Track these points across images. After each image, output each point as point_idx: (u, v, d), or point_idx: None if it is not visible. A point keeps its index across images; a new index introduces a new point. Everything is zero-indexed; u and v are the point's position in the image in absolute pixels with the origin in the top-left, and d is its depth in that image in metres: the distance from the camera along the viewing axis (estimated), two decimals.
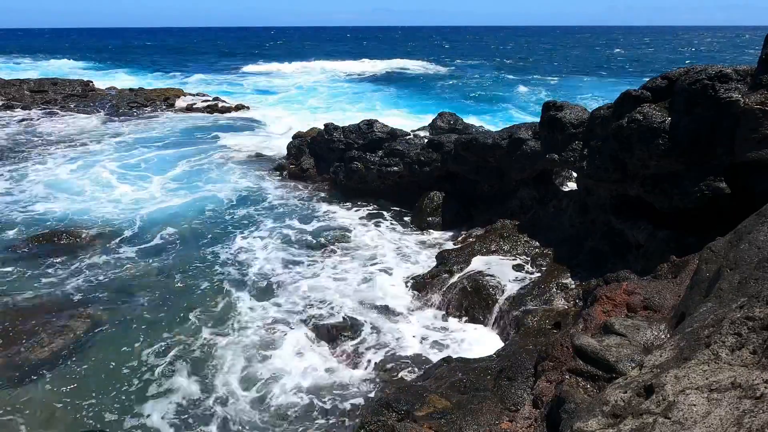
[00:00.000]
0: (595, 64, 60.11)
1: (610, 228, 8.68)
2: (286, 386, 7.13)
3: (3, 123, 24.76)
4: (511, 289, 8.96)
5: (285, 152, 17.87)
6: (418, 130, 14.74)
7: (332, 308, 9.07)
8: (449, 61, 63.73)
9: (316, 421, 6.55)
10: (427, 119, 17.61)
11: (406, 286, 9.79)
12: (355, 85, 43.31)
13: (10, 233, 12.06)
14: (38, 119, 25.90)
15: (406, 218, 13.14)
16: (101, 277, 10.07)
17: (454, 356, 7.54)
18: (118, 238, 11.92)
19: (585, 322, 5.74)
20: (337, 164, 15.09)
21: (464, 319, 8.82)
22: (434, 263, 10.43)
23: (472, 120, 16.17)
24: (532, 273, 9.33)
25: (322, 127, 16.18)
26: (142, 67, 57.46)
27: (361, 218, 13.32)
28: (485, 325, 8.64)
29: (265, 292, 9.66)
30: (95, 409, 6.70)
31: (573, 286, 8.62)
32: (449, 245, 11.32)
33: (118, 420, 6.54)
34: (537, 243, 10.10)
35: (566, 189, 11.12)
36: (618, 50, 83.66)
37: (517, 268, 9.56)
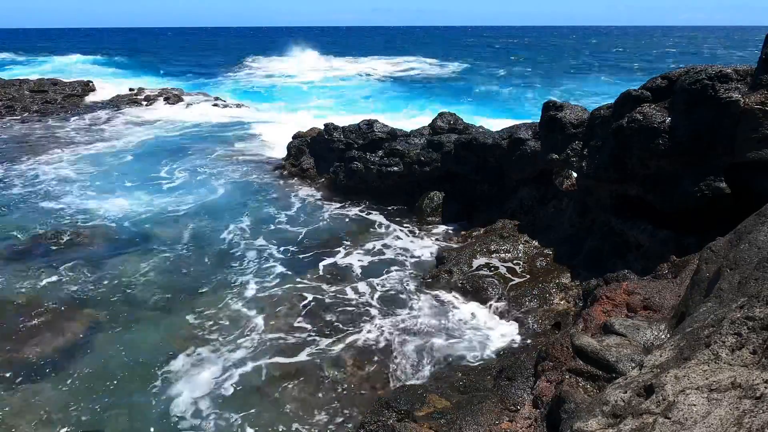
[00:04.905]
0: (596, 64, 60.10)
1: (610, 228, 8.68)
2: (289, 383, 7.13)
3: (3, 123, 24.77)
4: (511, 289, 8.97)
5: (285, 152, 17.87)
6: (418, 130, 14.71)
7: (333, 308, 9.07)
8: (450, 61, 63.69)
9: (318, 417, 6.55)
10: (428, 119, 17.60)
11: (406, 287, 9.79)
12: (355, 84, 43.30)
13: (11, 232, 12.06)
14: (38, 119, 25.91)
15: (406, 218, 13.14)
16: (102, 277, 10.07)
17: (454, 356, 7.55)
18: (119, 238, 11.92)
19: (585, 322, 5.74)
20: (337, 164, 15.09)
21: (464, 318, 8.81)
22: (434, 263, 10.43)
23: (473, 119, 16.16)
24: (531, 273, 9.33)
25: (322, 127, 16.18)
26: (143, 67, 57.45)
27: (360, 218, 13.32)
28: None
29: (265, 292, 9.65)
30: (95, 409, 6.69)
31: (573, 286, 8.63)
32: (449, 245, 11.32)
33: (118, 419, 6.54)
34: (537, 243, 10.10)
35: (566, 189, 11.12)
36: (618, 51, 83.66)
37: (517, 268, 9.56)
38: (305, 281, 10.02)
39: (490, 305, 8.83)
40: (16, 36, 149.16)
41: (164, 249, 11.41)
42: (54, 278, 9.97)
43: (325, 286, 9.82)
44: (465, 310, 8.93)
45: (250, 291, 9.66)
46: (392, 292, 9.60)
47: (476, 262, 9.76)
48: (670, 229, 7.48)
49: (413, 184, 13.73)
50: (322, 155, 16.11)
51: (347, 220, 13.21)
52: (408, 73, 51.91)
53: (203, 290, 9.67)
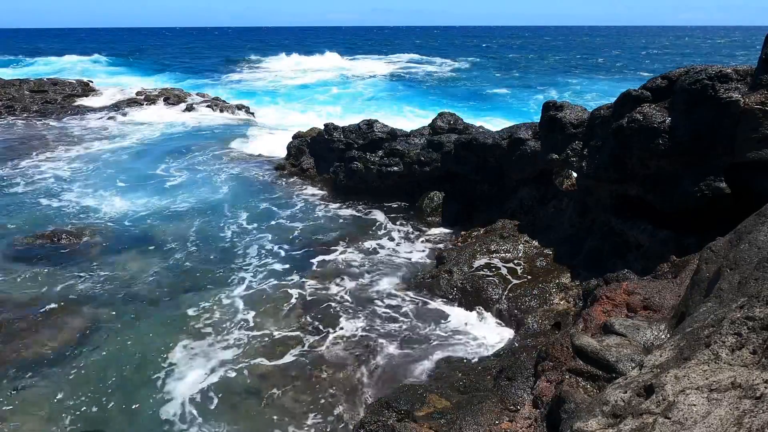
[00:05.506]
0: (596, 64, 60.09)
1: (610, 228, 8.68)
2: (286, 382, 7.13)
3: (3, 123, 24.78)
4: (511, 289, 8.97)
5: (285, 152, 17.88)
6: (418, 130, 14.71)
7: (331, 307, 9.07)
8: (450, 61, 63.70)
9: (317, 416, 6.55)
10: (428, 119, 17.61)
11: (406, 286, 9.79)
12: (355, 84, 43.29)
13: (12, 231, 12.06)
14: (38, 119, 25.91)
15: (405, 218, 13.14)
16: (102, 276, 10.07)
17: (454, 356, 7.55)
18: (119, 237, 11.92)
19: (585, 322, 5.74)
20: (337, 164, 15.09)
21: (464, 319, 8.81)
22: (434, 263, 10.43)
23: (473, 119, 16.17)
24: (532, 273, 9.33)
25: (322, 127, 16.18)
26: (143, 67, 57.49)
27: (360, 218, 13.32)
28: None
29: (264, 292, 9.65)
30: (96, 409, 6.70)
31: (573, 286, 8.63)
32: (449, 245, 11.31)
33: (118, 419, 6.54)
34: (537, 243, 10.10)
35: (566, 189, 11.12)
36: (618, 51, 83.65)
37: (517, 268, 9.56)
38: (304, 280, 10.01)
39: (490, 305, 8.83)
40: (16, 36, 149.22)
41: (164, 248, 11.41)
42: (54, 277, 9.97)
43: (323, 286, 9.82)
44: (465, 310, 8.93)
45: (249, 290, 9.65)
46: (392, 292, 9.60)
47: (476, 262, 9.75)
48: (670, 229, 7.48)
49: (413, 184, 13.73)
50: (322, 155, 16.11)
51: (346, 220, 13.20)
52: (409, 73, 51.91)
53: (202, 289, 9.66)
